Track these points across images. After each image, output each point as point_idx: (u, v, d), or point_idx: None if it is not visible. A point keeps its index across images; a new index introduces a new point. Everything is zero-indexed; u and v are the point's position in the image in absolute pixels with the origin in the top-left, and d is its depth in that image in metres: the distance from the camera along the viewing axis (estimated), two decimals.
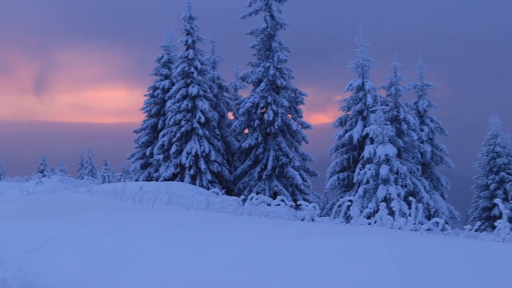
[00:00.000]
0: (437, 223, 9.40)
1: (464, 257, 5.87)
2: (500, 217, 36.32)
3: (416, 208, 10.93)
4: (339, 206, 17.88)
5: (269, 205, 13.36)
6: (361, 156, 28.17)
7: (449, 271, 5.45)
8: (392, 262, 5.79)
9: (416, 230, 9.84)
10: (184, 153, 32.27)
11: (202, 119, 32.55)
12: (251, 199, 13.70)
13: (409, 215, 10.48)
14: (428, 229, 10.28)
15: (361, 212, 18.11)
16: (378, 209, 23.76)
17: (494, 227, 25.41)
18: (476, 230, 37.41)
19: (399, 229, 10.27)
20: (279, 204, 13.11)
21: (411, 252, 6.06)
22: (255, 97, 32.10)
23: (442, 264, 5.64)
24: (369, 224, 11.24)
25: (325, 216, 22.88)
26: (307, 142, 33.13)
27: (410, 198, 11.51)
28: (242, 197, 16.27)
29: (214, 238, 7.79)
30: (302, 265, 6.07)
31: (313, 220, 12.63)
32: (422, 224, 10.19)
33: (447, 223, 31.27)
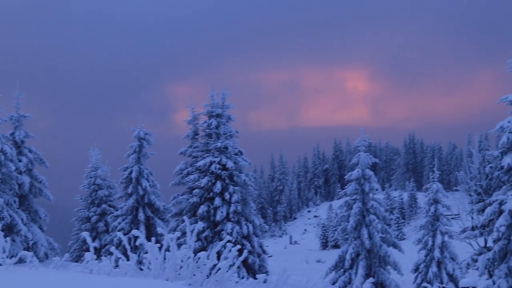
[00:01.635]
0: (26, 255, 9.36)
1: None
2: (95, 249, 37.18)
3: (6, 242, 10.68)
4: None
5: None
6: None
7: None
8: None
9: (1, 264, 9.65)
10: None
11: None
12: None
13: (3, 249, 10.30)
14: (22, 261, 10.15)
15: None
16: None
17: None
18: (77, 261, 38.03)
19: None
20: None
21: None
22: None
23: None
24: None
25: None
26: None
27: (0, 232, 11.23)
28: None
29: None
30: None
31: None
32: (12, 258, 10.01)
33: (46, 255, 31.18)
